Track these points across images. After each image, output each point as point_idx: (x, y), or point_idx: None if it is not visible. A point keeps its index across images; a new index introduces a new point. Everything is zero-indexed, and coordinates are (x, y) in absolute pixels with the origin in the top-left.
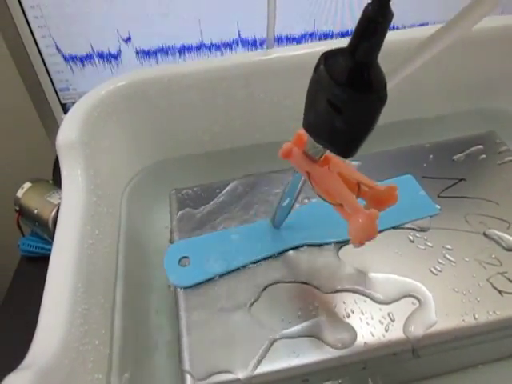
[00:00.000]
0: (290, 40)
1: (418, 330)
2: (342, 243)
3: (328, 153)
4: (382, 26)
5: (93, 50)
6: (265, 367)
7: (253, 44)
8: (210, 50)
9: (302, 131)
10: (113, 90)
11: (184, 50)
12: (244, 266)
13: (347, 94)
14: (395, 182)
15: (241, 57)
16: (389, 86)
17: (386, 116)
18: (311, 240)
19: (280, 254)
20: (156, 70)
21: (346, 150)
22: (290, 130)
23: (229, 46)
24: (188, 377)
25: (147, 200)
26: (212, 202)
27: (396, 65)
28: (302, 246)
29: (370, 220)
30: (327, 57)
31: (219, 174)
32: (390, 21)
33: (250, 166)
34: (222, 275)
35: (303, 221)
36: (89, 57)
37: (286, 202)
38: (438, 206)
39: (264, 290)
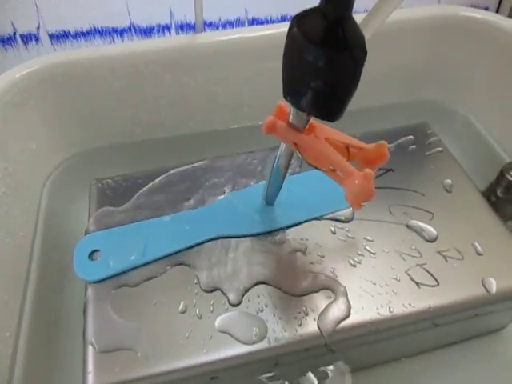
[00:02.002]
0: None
1: (331, 324)
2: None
3: (312, 120)
4: None
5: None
6: (170, 365)
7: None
8: (145, 33)
9: (283, 102)
10: (27, 74)
11: (114, 32)
12: (161, 258)
13: (324, 54)
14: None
15: (167, 41)
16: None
17: None
18: (226, 232)
19: (197, 244)
20: (75, 53)
21: (331, 113)
22: (225, 119)
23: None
24: (90, 347)
25: (70, 192)
26: (134, 193)
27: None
28: (217, 238)
29: (366, 180)
30: (299, 18)
31: (148, 165)
32: None
33: (180, 156)
34: (136, 267)
35: (225, 212)
36: (9, 38)
37: (275, 177)
38: None
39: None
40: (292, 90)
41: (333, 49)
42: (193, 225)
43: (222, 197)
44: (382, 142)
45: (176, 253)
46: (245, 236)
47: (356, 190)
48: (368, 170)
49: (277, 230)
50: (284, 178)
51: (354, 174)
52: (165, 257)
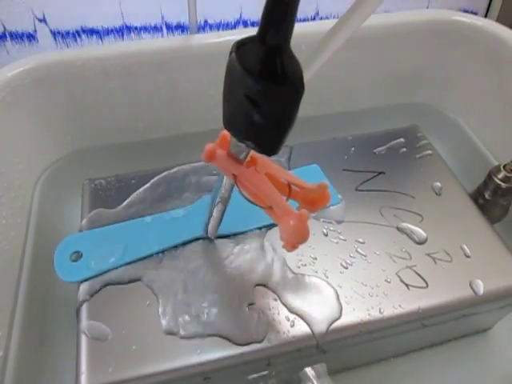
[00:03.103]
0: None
1: (322, 325)
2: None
3: (253, 153)
4: (291, 6)
5: (5, 30)
6: (166, 365)
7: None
8: (138, 34)
9: (227, 131)
10: (19, 73)
11: (107, 32)
12: (144, 258)
13: (261, 85)
14: (302, 171)
15: (161, 42)
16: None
17: (311, 110)
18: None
19: (178, 245)
20: (68, 52)
21: (269, 146)
22: (217, 120)
23: (156, 29)
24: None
25: (62, 192)
26: (127, 194)
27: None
28: (198, 238)
29: (301, 221)
30: (239, 46)
31: (140, 165)
32: (298, 1)
33: (174, 156)
34: (119, 266)
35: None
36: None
37: (215, 209)
38: (339, 196)
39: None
40: (230, 120)
41: (272, 82)
42: (174, 226)
43: (202, 197)
44: (323, 182)
45: (157, 253)
46: (225, 236)
47: (290, 231)
48: (304, 211)
49: (259, 229)
50: (224, 212)
51: (290, 215)
52: (146, 257)
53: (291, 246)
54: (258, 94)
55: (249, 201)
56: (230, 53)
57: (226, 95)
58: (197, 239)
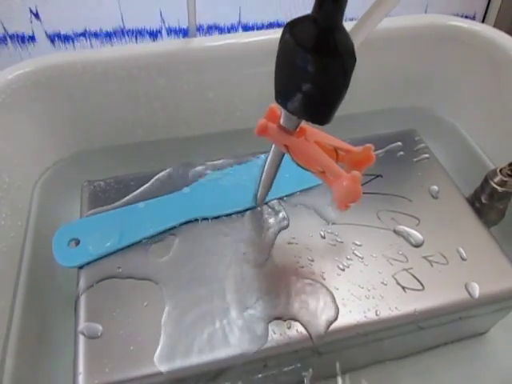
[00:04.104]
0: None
1: (319, 327)
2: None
3: (303, 123)
4: None
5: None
6: (163, 366)
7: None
8: (135, 36)
9: (275, 105)
10: (19, 76)
11: (107, 35)
12: (138, 241)
13: (315, 60)
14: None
15: (160, 45)
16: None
17: None
18: (201, 214)
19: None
20: (68, 55)
21: (321, 117)
22: (217, 123)
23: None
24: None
25: (61, 194)
26: (126, 195)
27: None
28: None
29: (353, 182)
30: (292, 25)
31: (139, 167)
32: None
33: (173, 159)
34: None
35: (198, 196)
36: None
37: (265, 178)
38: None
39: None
40: (283, 94)
41: (323, 55)
42: (167, 209)
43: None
44: (368, 145)
45: (152, 236)
46: (218, 217)
47: (344, 192)
48: (355, 173)
49: (251, 209)
50: (273, 180)
51: (343, 176)
52: (142, 240)
53: (344, 205)
54: (311, 67)
55: (302, 168)
56: (283, 34)
57: (279, 72)
58: (189, 221)
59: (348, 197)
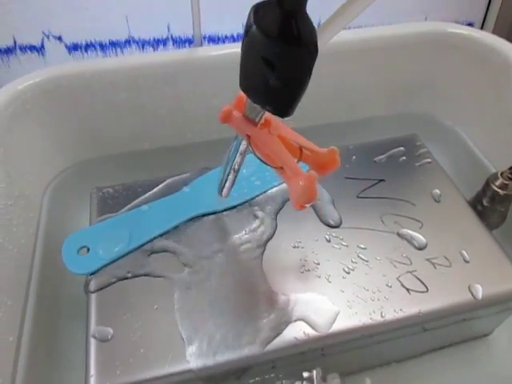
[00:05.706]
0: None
1: (325, 328)
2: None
3: (267, 116)
4: None
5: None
6: (173, 368)
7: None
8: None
9: (243, 93)
10: (29, 86)
11: (114, 45)
12: (149, 242)
13: (278, 47)
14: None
15: (166, 55)
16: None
17: (314, 120)
18: (201, 211)
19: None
20: (76, 66)
21: (283, 108)
22: (220, 131)
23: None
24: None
25: (71, 200)
26: (134, 202)
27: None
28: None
29: (309, 182)
30: (257, 10)
31: (147, 174)
32: None
33: (179, 165)
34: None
35: (198, 194)
36: (10, 50)
37: (229, 169)
38: None
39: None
40: (247, 82)
41: (288, 44)
42: (170, 209)
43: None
44: (334, 147)
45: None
46: (216, 212)
47: (300, 191)
48: (312, 172)
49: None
50: (238, 171)
51: (300, 175)
52: (150, 241)
53: (300, 206)
54: (274, 56)
55: (261, 160)
56: (248, 16)
57: (244, 58)
58: (192, 218)
59: (303, 196)
